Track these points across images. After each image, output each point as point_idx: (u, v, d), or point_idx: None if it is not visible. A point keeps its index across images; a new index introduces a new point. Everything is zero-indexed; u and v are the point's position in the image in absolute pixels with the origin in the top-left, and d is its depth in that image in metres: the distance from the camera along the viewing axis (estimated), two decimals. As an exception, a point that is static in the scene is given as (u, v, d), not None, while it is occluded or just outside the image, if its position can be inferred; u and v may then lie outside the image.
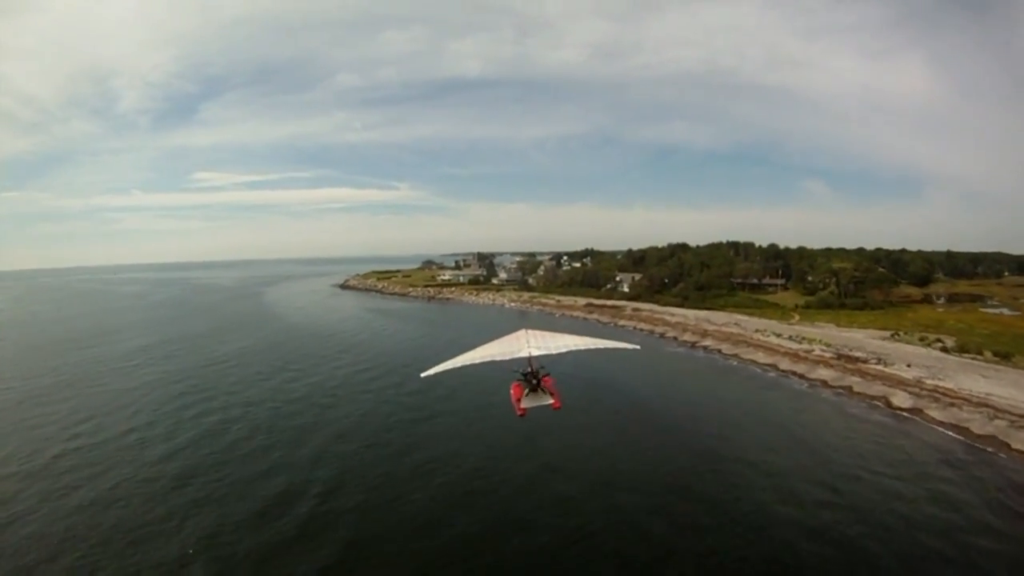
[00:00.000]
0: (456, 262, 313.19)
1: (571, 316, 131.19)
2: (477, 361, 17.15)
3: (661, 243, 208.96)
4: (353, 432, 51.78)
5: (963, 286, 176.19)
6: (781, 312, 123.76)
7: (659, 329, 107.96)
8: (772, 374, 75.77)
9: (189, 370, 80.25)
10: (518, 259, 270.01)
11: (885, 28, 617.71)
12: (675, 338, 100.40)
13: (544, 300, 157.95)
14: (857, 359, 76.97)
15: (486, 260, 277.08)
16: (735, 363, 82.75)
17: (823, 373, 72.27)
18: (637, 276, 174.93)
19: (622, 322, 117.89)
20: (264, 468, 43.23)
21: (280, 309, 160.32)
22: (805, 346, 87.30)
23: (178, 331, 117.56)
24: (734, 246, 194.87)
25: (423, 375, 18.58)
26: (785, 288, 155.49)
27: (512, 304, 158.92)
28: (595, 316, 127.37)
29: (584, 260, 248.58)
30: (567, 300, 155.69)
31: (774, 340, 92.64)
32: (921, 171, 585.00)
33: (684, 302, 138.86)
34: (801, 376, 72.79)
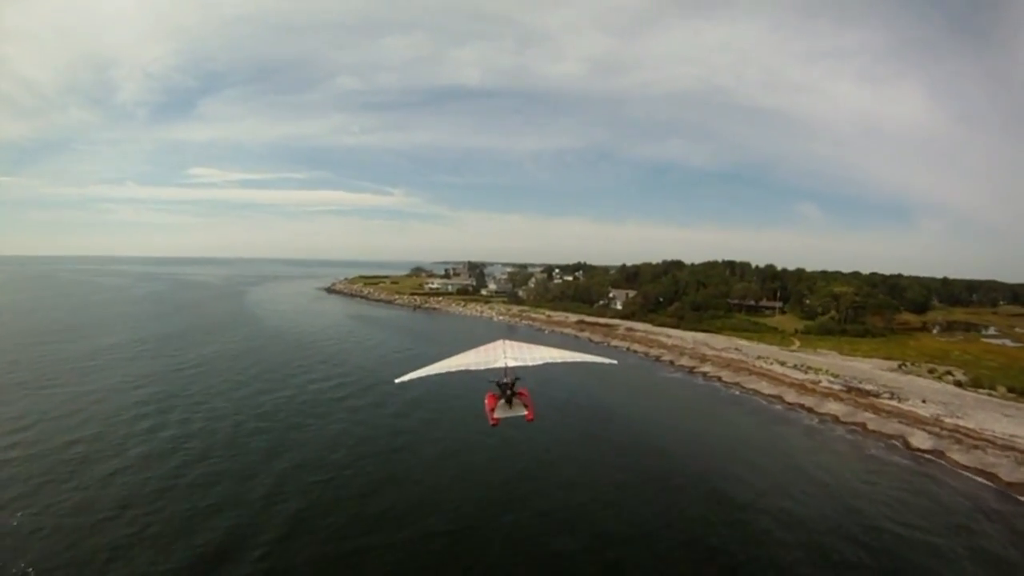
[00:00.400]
0: (446, 270, 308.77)
1: (561, 333, 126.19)
2: (453, 369, 17.11)
3: (653, 259, 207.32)
4: (318, 461, 46.09)
5: (959, 314, 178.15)
6: (781, 337, 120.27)
7: (654, 351, 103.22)
8: (778, 407, 71.12)
9: (152, 375, 74.37)
10: (509, 270, 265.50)
11: (885, 54, 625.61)
12: (672, 362, 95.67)
13: (534, 315, 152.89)
14: (868, 392, 72.74)
15: (477, 270, 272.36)
16: (737, 393, 78.05)
17: (833, 407, 67.81)
18: (631, 293, 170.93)
19: (615, 342, 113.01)
20: (210, 503, 37.48)
21: (260, 311, 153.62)
22: (811, 376, 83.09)
23: (151, 330, 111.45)
24: (730, 265, 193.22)
25: (397, 380, 18.28)
26: (783, 311, 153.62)
27: (500, 318, 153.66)
28: (586, 334, 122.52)
29: (576, 274, 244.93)
30: (558, 316, 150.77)
31: (778, 369, 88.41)
32: (914, 198, 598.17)
33: (680, 323, 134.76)
34: (810, 410, 68.27)
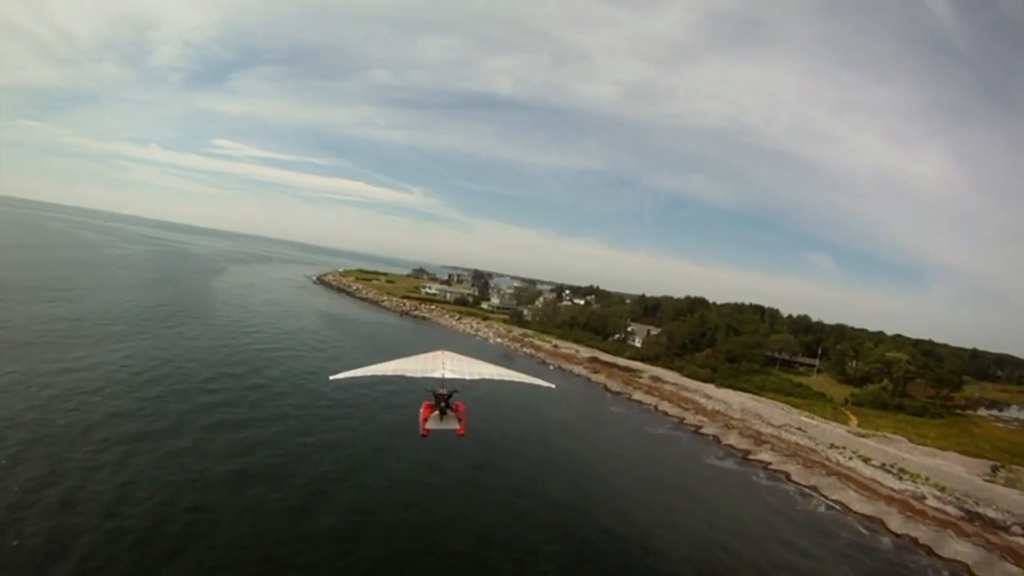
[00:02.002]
0: (449, 275, 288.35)
1: (570, 372, 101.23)
2: (389, 373, 17.21)
3: (663, 291, 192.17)
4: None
5: (992, 391, 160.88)
6: (832, 408, 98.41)
7: (691, 418, 77.99)
8: (885, 539, 49.13)
9: (43, 371, 51.52)
10: (516, 284, 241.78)
11: (914, 114, 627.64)
12: (717, 439, 70.43)
13: (538, 342, 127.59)
14: (996, 524, 52.51)
15: (482, 279, 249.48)
16: (819, 506, 54.40)
17: (959, 549, 47.75)
18: (653, 330, 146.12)
19: (639, 395, 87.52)
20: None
21: (228, 296, 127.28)
22: (910, 486, 59.94)
23: (92, 303, 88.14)
24: (759, 311, 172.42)
25: (332, 378, 17.98)
26: (818, 370, 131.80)
27: (497, 340, 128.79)
28: (602, 378, 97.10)
29: (588, 298, 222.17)
30: (566, 347, 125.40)
31: (862, 468, 64.45)
32: (928, 260, 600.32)
33: (713, 376, 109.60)
34: (929, 551, 47.82)
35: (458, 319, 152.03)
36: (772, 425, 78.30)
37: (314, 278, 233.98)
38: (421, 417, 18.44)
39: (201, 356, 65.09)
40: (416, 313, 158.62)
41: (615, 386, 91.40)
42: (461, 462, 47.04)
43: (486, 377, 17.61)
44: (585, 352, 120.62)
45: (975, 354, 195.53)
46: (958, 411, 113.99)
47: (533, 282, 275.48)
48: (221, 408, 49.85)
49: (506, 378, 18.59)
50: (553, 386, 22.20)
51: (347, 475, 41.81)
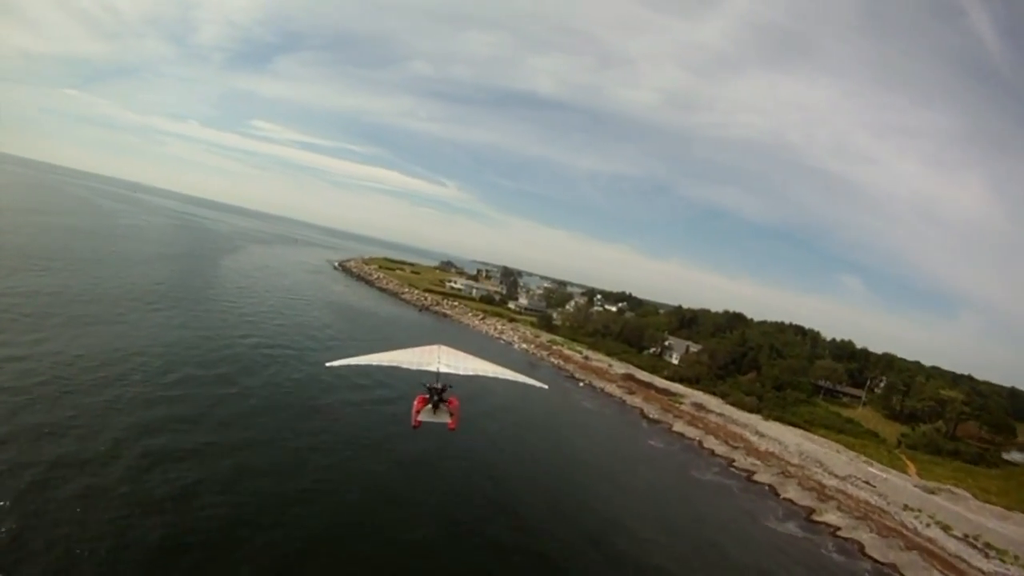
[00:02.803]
0: (478, 270, 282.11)
1: (601, 391, 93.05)
2: (385, 364, 17.51)
3: (689, 302, 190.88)
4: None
5: None
6: (887, 451, 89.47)
7: (742, 460, 69.57)
8: None
9: None
10: (546, 284, 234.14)
11: (953, 140, 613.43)
12: (773, 490, 62.07)
13: (567, 352, 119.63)
14: None
15: (511, 277, 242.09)
16: None
17: None
18: (692, 346, 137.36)
19: (680, 426, 79.11)
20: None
21: (233, 278, 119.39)
22: (998, 567, 52.72)
23: (81, 277, 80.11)
24: (799, 331, 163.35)
25: (328, 364, 18.88)
26: (863, 403, 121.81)
27: (523, 346, 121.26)
28: (638, 401, 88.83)
29: (620, 304, 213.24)
30: (598, 359, 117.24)
31: (944, 541, 57.30)
32: (959, 290, 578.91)
33: (760, 405, 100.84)
34: None
35: (481, 319, 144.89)
36: (835, 476, 69.50)
37: (335, 264, 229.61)
38: (414, 409, 18.95)
39: (175, 351, 55.88)
40: (437, 309, 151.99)
41: (653, 412, 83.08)
42: (473, 506, 39.82)
43: (480, 373, 17.99)
44: (619, 367, 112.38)
45: (1013, 393, 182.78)
46: (1005, 458, 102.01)
47: (563, 283, 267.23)
48: (166, 424, 39.82)
49: (500, 376, 18.76)
50: (546, 387, 22.70)
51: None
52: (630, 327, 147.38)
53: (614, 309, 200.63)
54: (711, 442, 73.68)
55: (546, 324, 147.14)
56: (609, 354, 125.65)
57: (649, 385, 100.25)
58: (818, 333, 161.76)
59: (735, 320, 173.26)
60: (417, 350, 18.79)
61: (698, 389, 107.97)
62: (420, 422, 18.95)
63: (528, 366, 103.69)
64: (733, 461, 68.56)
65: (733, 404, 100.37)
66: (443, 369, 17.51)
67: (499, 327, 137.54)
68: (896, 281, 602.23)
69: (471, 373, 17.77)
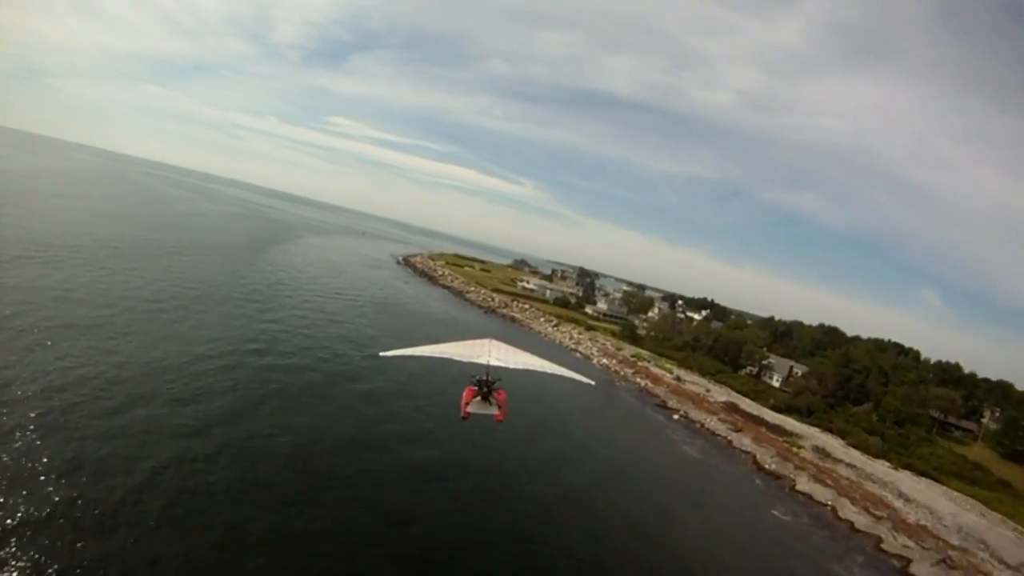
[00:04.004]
0: (553, 270, 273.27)
1: (701, 426, 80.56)
2: (436, 355, 18.58)
3: (764, 311, 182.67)
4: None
5: None
6: None
7: (890, 538, 56.21)
8: None
9: None
10: (625, 287, 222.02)
11: None
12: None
13: (654, 369, 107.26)
14: None
15: (587, 279, 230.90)
16: None
17: None
18: (797, 368, 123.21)
19: (804, 483, 65.63)
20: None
21: (276, 270, 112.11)
22: None
23: (99, 270, 73.40)
24: (901, 350, 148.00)
25: (382, 354, 19.72)
26: (975, 437, 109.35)
27: (603, 361, 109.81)
28: (747, 442, 75.72)
29: (703, 312, 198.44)
30: (692, 381, 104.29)
31: None
32: None
33: (882, 446, 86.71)
34: None
35: (555, 325, 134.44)
36: (1008, 566, 55.10)
37: (399, 258, 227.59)
38: (463, 400, 19.63)
39: (155, 371, 46.02)
40: (505, 311, 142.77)
41: (768, 460, 69.95)
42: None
43: (529, 368, 18.97)
44: (717, 392, 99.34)
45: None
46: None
47: (642, 287, 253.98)
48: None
49: (548, 370, 19.33)
50: (592, 383, 23.01)
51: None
52: (723, 341, 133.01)
53: (697, 317, 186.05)
54: (848, 510, 60.29)
55: (629, 334, 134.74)
56: (703, 374, 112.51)
57: (758, 420, 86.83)
58: (919, 352, 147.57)
59: (832, 335, 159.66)
60: (468, 343, 20.14)
61: (811, 424, 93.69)
62: (469, 413, 19.61)
63: (608, 386, 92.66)
64: (880, 541, 55.21)
65: (855, 446, 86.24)
66: (493, 362, 18.28)
67: (575, 336, 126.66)
68: (974, 297, 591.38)
69: (520, 367, 18.70)
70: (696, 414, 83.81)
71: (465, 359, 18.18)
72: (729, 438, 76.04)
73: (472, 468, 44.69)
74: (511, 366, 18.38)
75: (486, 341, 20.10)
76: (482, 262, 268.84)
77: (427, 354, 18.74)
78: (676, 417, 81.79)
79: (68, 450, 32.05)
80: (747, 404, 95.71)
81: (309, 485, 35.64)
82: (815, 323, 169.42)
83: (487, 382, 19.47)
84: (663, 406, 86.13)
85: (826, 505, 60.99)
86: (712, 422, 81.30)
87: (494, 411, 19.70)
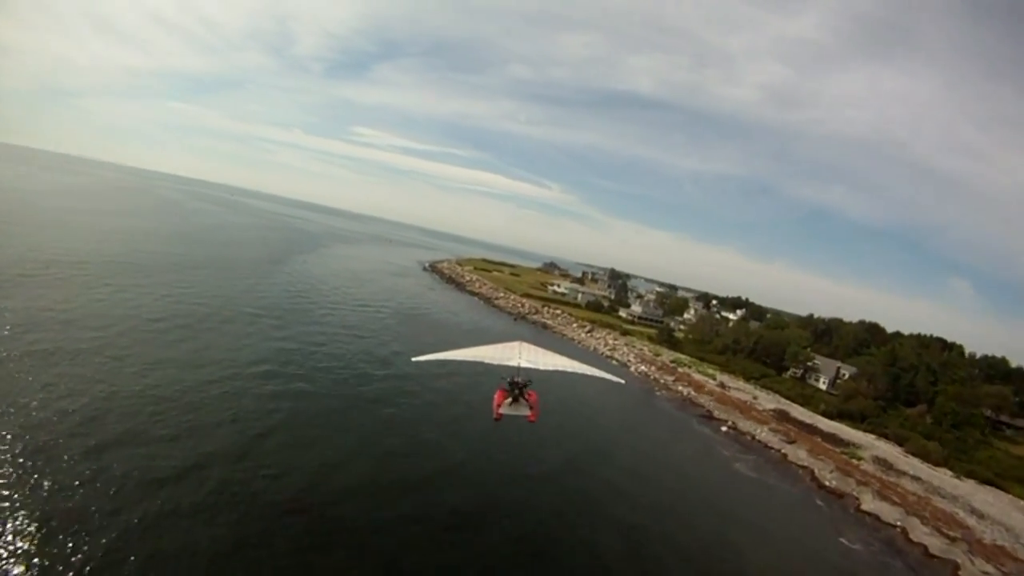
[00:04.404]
0: (584, 273, 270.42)
1: (751, 438, 77.13)
2: (469, 359, 19.29)
3: (795, 308, 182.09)
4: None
5: None
6: None
7: (968, 565, 52.53)
8: None
9: None
10: (658, 289, 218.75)
11: None
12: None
13: (696, 376, 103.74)
14: None
15: (619, 281, 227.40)
16: None
17: None
18: (844, 370, 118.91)
19: (869, 502, 61.85)
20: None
21: (293, 282, 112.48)
22: None
23: (102, 288, 71.84)
24: (944, 345, 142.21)
25: (415, 359, 21.40)
26: None
27: (641, 368, 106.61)
28: (803, 455, 71.88)
29: (738, 312, 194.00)
30: (737, 387, 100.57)
31: None
32: None
33: (943, 452, 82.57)
34: None
35: (589, 331, 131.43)
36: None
37: (426, 264, 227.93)
38: (495, 402, 20.43)
39: (145, 402, 43.06)
40: (536, 318, 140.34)
41: (828, 476, 66.27)
42: None
43: (559, 369, 19.66)
44: (765, 399, 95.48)
45: None
46: None
47: (674, 287, 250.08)
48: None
49: (577, 371, 20.22)
50: (623, 381, 25.47)
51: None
52: (764, 343, 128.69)
53: (732, 317, 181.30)
54: (919, 531, 56.49)
55: (667, 338, 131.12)
56: (746, 379, 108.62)
57: (811, 428, 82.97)
58: (962, 347, 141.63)
59: (874, 332, 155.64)
60: (499, 346, 20.98)
61: (866, 430, 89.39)
62: (501, 415, 20.34)
63: (647, 394, 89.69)
64: (958, 569, 51.48)
65: (915, 454, 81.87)
66: (524, 364, 19.12)
67: (610, 342, 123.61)
68: (1008, 287, 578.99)
69: (551, 368, 19.45)
70: (745, 425, 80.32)
71: (496, 361, 19.09)
72: (783, 451, 72.44)
73: (510, 511, 40.60)
74: (541, 367, 19.22)
75: (516, 343, 20.90)
76: (511, 266, 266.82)
77: (459, 358, 19.28)
78: (724, 429, 78.42)
79: (33, 503, 29.18)
80: (798, 411, 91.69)
81: (311, 543, 31.53)
82: (853, 319, 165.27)
83: (518, 384, 20.32)
84: (709, 417, 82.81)
85: (895, 527, 57.24)
86: (763, 433, 77.73)
87: (526, 412, 20.46)
